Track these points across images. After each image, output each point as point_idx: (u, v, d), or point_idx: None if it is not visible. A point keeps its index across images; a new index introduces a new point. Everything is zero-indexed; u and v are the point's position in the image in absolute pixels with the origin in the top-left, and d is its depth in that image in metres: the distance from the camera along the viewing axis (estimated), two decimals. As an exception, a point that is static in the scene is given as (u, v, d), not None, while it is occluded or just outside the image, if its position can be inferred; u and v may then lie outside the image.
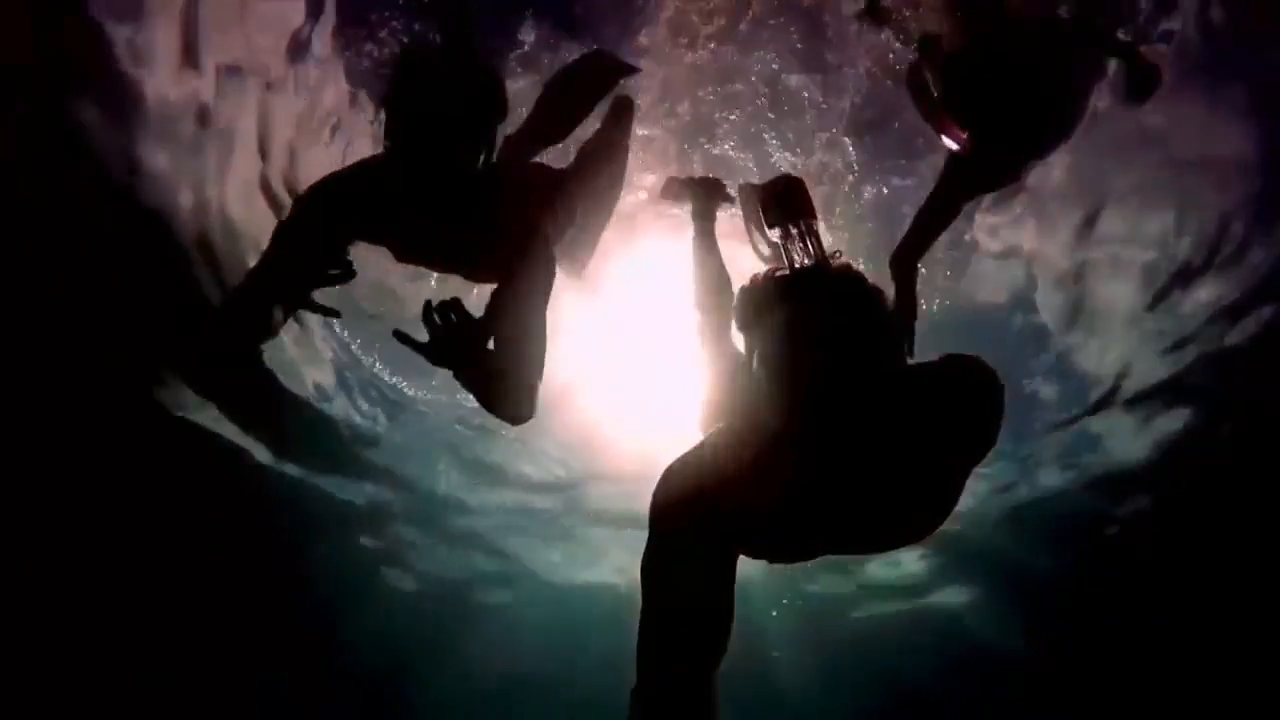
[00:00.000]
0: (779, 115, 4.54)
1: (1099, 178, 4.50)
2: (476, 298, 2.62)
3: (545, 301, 2.36)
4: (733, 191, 2.81)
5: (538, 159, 3.18)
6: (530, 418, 2.34)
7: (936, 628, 10.77)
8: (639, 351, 5.56)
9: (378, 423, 6.60)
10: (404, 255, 2.62)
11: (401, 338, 2.07)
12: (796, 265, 1.48)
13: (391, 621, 10.31)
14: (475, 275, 2.71)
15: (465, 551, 9.32)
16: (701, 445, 1.62)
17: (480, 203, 2.34)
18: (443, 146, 2.15)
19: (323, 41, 3.94)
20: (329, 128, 4.33)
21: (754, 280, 1.59)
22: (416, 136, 2.14)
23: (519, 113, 3.14)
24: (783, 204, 1.51)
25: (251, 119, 3.99)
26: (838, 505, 1.54)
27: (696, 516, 1.47)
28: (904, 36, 3.71)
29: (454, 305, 2.01)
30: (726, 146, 4.65)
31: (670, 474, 1.57)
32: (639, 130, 4.17)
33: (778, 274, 1.59)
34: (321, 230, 2.37)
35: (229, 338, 2.63)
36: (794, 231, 1.49)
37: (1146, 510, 7.28)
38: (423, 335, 2.05)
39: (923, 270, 3.12)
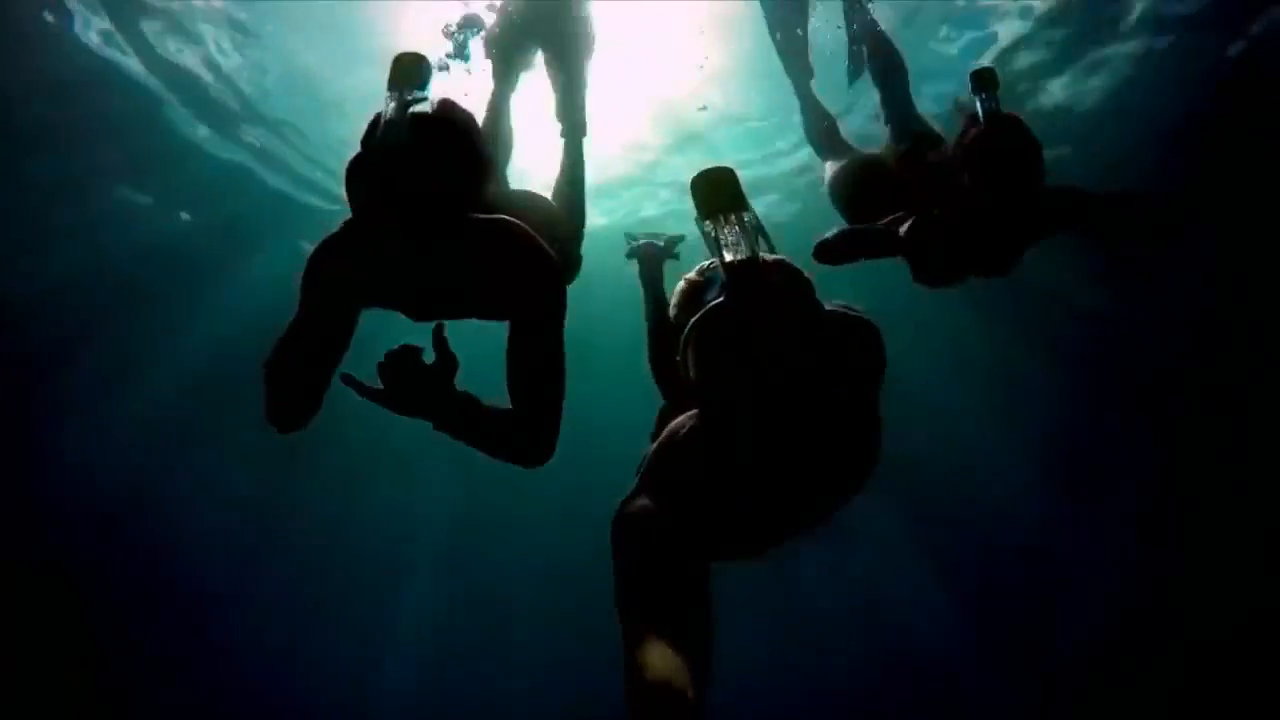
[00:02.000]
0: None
1: None
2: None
3: (561, 333, 2.28)
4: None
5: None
6: (549, 458, 2.24)
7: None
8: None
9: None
10: (418, 315, 2.50)
11: (355, 385, 1.98)
12: (728, 260, 1.47)
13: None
14: (489, 316, 2.56)
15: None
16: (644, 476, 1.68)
17: (471, 247, 2.21)
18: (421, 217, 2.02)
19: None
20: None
21: (685, 278, 1.70)
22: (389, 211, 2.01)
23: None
24: (710, 197, 1.48)
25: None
26: (790, 477, 1.65)
27: (656, 539, 1.50)
28: None
29: (409, 352, 1.94)
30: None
31: (624, 516, 1.60)
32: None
33: (706, 268, 1.68)
34: (328, 298, 2.29)
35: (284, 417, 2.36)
36: (725, 224, 1.47)
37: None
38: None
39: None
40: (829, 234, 2.98)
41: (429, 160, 1.99)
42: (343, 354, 2.35)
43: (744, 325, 1.44)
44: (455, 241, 2.16)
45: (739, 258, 1.45)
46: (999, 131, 2.69)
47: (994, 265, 2.99)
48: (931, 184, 2.94)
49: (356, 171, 2.01)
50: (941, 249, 2.97)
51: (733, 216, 1.46)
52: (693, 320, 1.50)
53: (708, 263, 1.66)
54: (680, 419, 1.74)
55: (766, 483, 1.64)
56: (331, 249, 2.29)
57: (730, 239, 1.47)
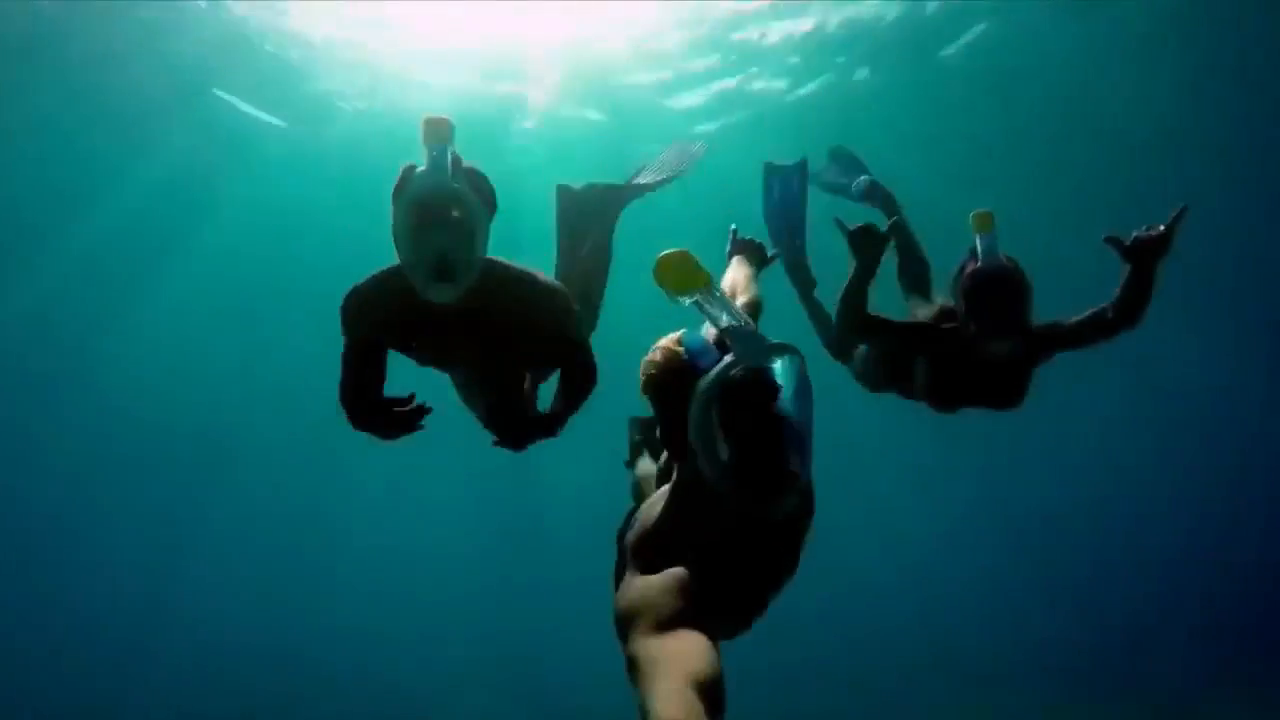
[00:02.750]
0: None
1: None
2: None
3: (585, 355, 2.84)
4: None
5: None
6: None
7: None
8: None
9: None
10: (435, 359, 2.85)
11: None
12: (726, 325, 1.53)
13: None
14: (507, 369, 2.97)
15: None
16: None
17: (496, 297, 2.55)
18: (450, 252, 2.38)
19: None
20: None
21: (664, 349, 1.64)
22: (428, 249, 2.37)
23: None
24: (675, 278, 1.54)
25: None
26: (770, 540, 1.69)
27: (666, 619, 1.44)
28: None
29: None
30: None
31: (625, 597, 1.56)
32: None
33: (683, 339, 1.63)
34: (368, 343, 2.63)
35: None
36: (702, 297, 1.53)
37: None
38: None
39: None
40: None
41: (469, 202, 2.39)
42: (384, 373, 2.71)
43: (766, 392, 1.51)
44: (488, 281, 2.52)
45: (737, 324, 1.52)
46: (992, 271, 3.04)
47: (999, 396, 3.36)
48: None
49: (406, 221, 2.37)
50: (937, 374, 3.38)
51: (703, 290, 1.54)
52: (712, 387, 1.51)
53: (676, 335, 1.65)
54: (651, 505, 1.75)
55: (756, 546, 1.68)
56: (373, 294, 2.59)
57: (713, 310, 1.54)
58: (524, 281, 2.63)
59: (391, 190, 2.39)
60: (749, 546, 1.66)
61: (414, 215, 2.34)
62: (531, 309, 2.61)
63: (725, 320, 1.54)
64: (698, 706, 1.18)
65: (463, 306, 2.46)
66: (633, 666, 1.34)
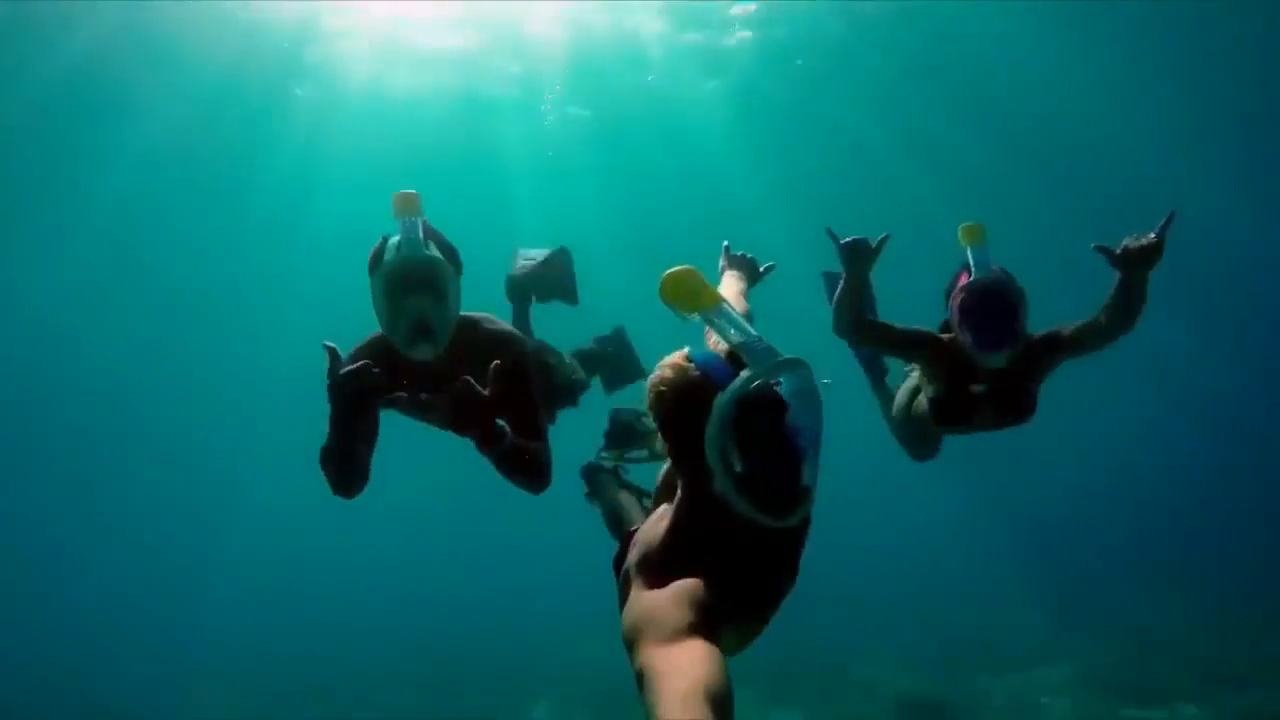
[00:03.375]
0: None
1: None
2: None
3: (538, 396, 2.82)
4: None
5: None
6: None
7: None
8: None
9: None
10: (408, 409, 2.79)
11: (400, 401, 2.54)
12: (737, 342, 1.57)
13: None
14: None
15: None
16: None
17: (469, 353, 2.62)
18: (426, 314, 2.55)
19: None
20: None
21: (674, 366, 1.61)
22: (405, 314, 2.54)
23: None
24: (682, 296, 1.63)
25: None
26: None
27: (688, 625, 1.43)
28: None
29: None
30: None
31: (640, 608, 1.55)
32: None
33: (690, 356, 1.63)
34: (362, 400, 2.60)
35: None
36: (711, 314, 1.60)
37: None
38: None
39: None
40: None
41: (442, 268, 2.57)
42: (376, 436, 2.75)
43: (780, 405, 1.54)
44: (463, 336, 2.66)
45: (750, 340, 1.54)
46: (985, 283, 3.07)
47: (1006, 409, 3.32)
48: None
49: (385, 290, 2.54)
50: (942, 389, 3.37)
51: (714, 307, 1.57)
52: (731, 404, 1.50)
53: (681, 353, 1.64)
54: (653, 524, 1.77)
55: (768, 550, 1.71)
56: (365, 354, 2.68)
57: (722, 326, 1.56)
58: (497, 336, 2.79)
59: (368, 262, 2.60)
60: (757, 558, 1.68)
61: (393, 285, 2.55)
62: (491, 352, 2.62)
63: (735, 336, 1.55)
64: (706, 715, 1.18)
65: (443, 364, 2.62)
66: (641, 678, 1.34)
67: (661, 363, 1.65)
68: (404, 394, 2.55)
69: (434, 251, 2.58)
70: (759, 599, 1.72)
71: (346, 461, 2.60)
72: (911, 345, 3.39)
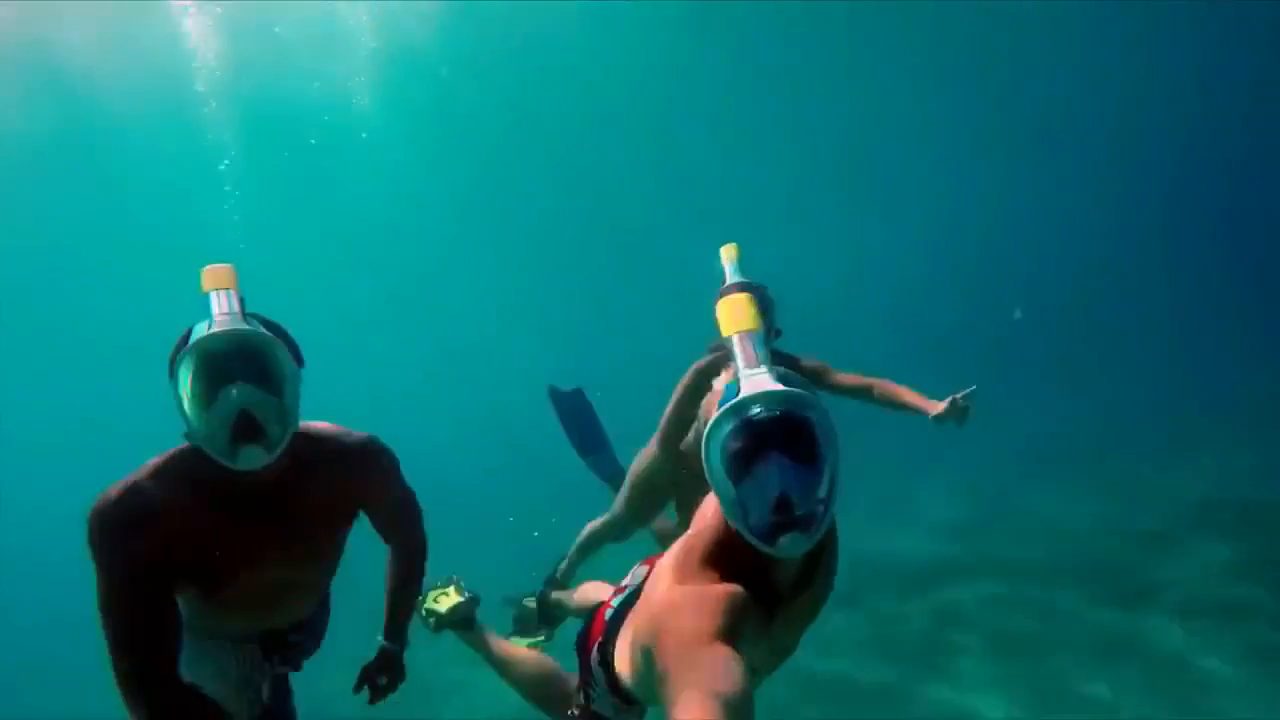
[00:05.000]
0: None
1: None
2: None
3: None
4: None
5: None
6: None
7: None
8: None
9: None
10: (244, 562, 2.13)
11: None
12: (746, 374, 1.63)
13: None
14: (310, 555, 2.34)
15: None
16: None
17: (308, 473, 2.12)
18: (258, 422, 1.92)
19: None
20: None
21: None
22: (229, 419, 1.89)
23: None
24: (729, 318, 1.70)
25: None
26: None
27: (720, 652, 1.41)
28: None
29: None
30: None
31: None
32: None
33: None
34: (151, 568, 1.95)
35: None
36: (742, 340, 1.68)
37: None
38: None
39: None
40: None
41: (269, 344, 1.97)
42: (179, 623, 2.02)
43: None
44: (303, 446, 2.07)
45: (758, 370, 1.59)
46: (737, 288, 3.42)
47: None
48: None
49: (196, 380, 1.90)
50: None
51: (750, 334, 1.64)
52: (715, 421, 1.56)
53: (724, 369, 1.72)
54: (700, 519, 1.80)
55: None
56: (151, 492, 1.94)
57: (744, 355, 1.62)
58: (338, 441, 2.22)
59: (169, 359, 1.95)
60: (778, 573, 1.67)
61: (205, 369, 1.89)
62: (353, 469, 2.23)
63: (743, 365, 1.61)
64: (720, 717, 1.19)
65: (287, 475, 2.03)
66: (663, 680, 1.36)
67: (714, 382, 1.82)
68: (234, 545, 1.97)
69: (257, 326, 1.98)
70: (792, 620, 1.75)
71: (162, 685, 1.90)
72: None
